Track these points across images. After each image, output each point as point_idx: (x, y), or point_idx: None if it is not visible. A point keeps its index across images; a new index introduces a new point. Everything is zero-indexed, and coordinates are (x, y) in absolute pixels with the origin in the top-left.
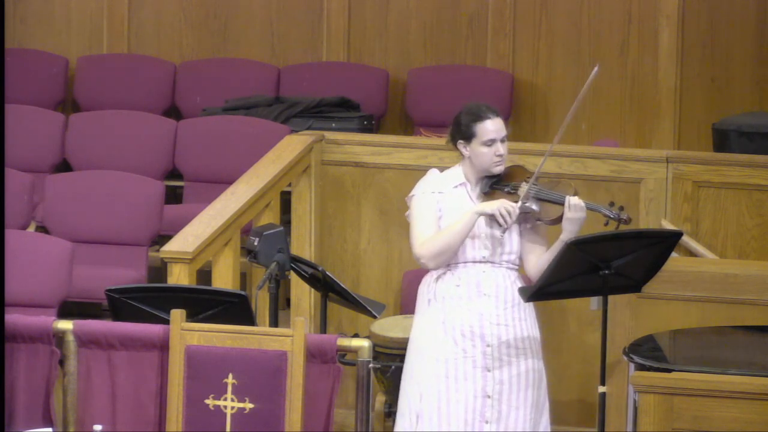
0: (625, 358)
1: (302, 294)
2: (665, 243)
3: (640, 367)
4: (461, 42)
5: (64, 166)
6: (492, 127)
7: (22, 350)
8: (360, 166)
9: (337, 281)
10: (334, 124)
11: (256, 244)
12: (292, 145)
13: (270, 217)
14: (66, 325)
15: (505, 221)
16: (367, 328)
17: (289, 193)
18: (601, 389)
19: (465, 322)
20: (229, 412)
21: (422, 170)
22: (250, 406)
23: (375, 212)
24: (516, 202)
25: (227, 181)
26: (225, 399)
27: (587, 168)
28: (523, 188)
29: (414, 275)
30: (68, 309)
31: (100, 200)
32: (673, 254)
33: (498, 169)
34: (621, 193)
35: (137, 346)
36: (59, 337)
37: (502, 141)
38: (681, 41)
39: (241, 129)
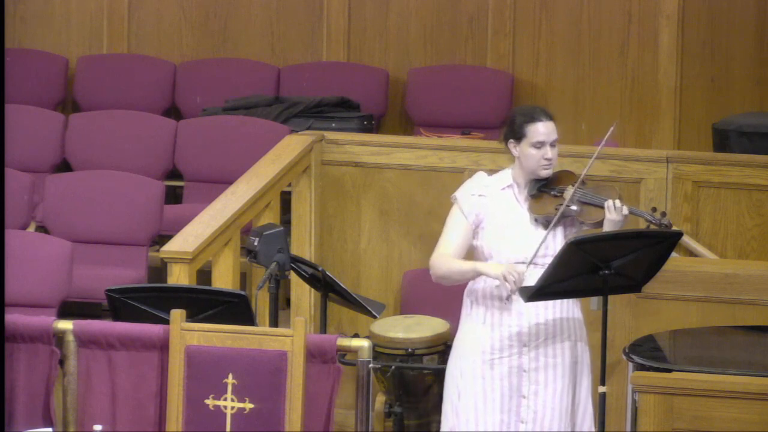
0: (625, 358)
1: (302, 294)
2: (665, 243)
3: (640, 367)
4: (461, 42)
5: (64, 166)
6: (543, 129)
7: (22, 350)
8: (360, 166)
9: (337, 281)
10: (334, 124)
11: (256, 244)
12: (292, 145)
13: (270, 217)
14: (66, 325)
15: (510, 287)
16: (367, 328)
17: (289, 193)
18: (601, 389)
19: (504, 322)
20: (229, 412)
21: (422, 170)
22: (250, 406)
23: (375, 212)
24: (561, 204)
25: (227, 181)
26: (225, 399)
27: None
28: (569, 191)
29: (414, 275)
30: (68, 309)
31: (100, 200)
32: (673, 254)
33: (545, 173)
34: (621, 193)
35: (137, 346)
36: (59, 337)
37: (552, 145)
38: (681, 41)
39: (241, 129)
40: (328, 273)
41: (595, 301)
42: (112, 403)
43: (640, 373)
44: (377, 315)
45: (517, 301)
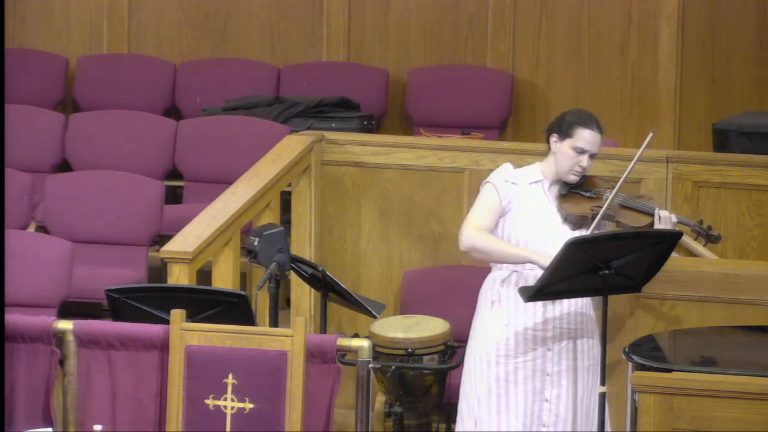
0: (625, 358)
1: (302, 294)
2: (665, 243)
3: (640, 367)
4: (461, 42)
5: (64, 166)
6: (590, 138)
7: (22, 350)
8: (360, 166)
9: (337, 281)
10: (334, 124)
11: (256, 244)
12: (292, 145)
13: (270, 217)
14: (66, 325)
15: None
16: (367, 328)
17: (289, 193)
18: (601, 389)
19: (528, 324)
20: (229, 412)
21: (422, 170)
22: (250, 406)
23: (375, 212)
24: (598, 206)
25: (227, 181)
26: (225, 399)
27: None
28: (607, 195)
29: (414, 275)
30: (68, 309)
31: (100, 200)
32: (673, 254)
33: (572, 179)
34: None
35: (137, 346)
36: (59, 337)
37: (591, 156)
38: (681, 41)
39: (241, 129)
40: (328, 273)
41: (595, 301)
42: (112, 403)
43: (640, 373)
44: (377, 315)
45: (542, 303)
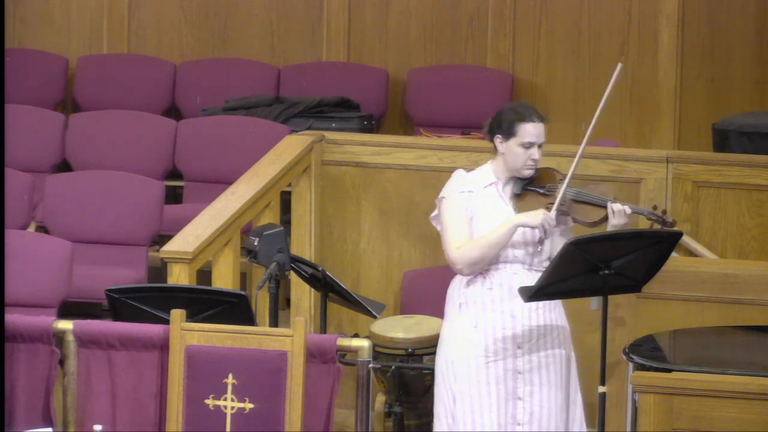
0: (625, 358)
1: (302, 294)
2: (665, 243)
3: (640, 367)
4: (461, 42)
5: (64, 166)
6: (534, 130)
7: (22, 350)
8: (360, 166)
9: (337, 281)
10: (334, 124)
11: (256, 244)
12: (292, 145)
13: (270, 217)
14: (66, 325)
15: (545, 232)
16: (367, 328)
17: (289, 193)
18: (601, 389)
19: (498, 325)
20: (229, 412)
21: (422, 170)
22: (250, 406)
23: (375, 212)
24: (552, 203)
25: (227, 181)
26: (225, 399)
27: (587, 168)
28: (560, 190)
29: (414, 275)
30: (68, 309)
31: (100, 200)
32: (673, 254)
33: (528, 173)
34: (621, 193)
35: (137, 346)
36: (59, 337)
37: (539, 146)
38: (681, 41)
39: (241, 129)
40: (328, 273)
41: (595, 301)
42: (112, 403)
43: (640, 373)
44: (377, 315)
45: (510, 302)
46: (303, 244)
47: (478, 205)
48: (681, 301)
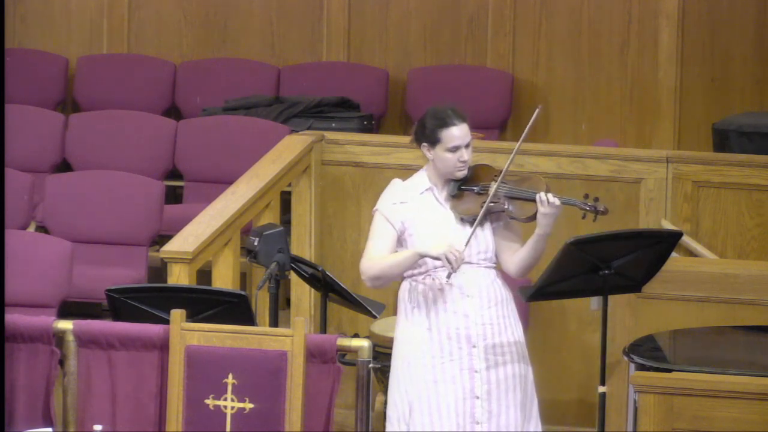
0: (625, 358)
1: (302, 294)
2: (665, 243)
3: (640, 367)
4: (461, 42)
5: (64, 166)
6: (458, 133)
7: (22, 350)
8: (360, 166)
9: (337, 281)
10: (334, 124)
11: (256, 244)
12: (292, 145)
13: (270, 217)
14: (66, 325)
15: (452, 266)
16: (367, 328)
17: (289, 193)
18: (601, 389)
19: (451, 325)
20: (229, 412)
21: None
22: (250, 406)
23: None
24: (485, 202)
25: (227, 181)
26: (225, 399)
27: (587, 168)
28: (492, 188)
29: None
30: (68, 309)
31: (100, 200)
32: (673, 254)
33: (461, 174)
34: (621, 193)
35: (137, 346)
36: (59, 337)
37: (467, 146)
38: (681, 41)
39: (241, 129)
40: (328, 273)
41: (595, 301)
42: (112, 403)
43: (640, 373)
44: (377, 315)
45: (461, 301)
46: (303, 244)
47: (413, 213)
48: (681, 301)
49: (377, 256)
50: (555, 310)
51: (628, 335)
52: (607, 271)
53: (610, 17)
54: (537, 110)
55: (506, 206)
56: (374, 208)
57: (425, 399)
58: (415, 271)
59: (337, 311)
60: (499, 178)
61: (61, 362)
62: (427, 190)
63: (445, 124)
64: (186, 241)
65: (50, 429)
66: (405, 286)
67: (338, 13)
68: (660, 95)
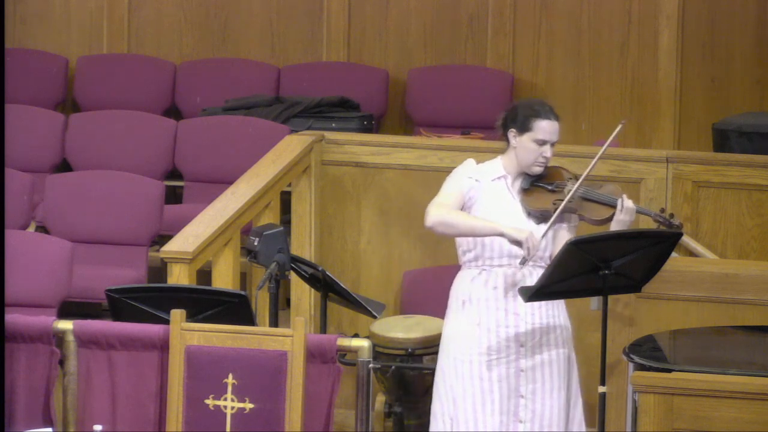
0: (625, 358)
1: (302, 294)
2: (665, 243)
3: (640, 367)
4: (461, 42)
5: (64, 166)
6: (549, 128)
7: (22, 350)
8: (360, 166)
9: (337, 281)
10: (334, 124)
11: (256, 244)
12: (292, 145)
13: (270, 217)
14: (66, 325)
15: (529, 252)
16: (367, 328)
17: (289, 193)
18: (601, 389)
19: (501, 323)
20: (229, 412)
21: (422, 170)
22: (250, 406)
23: (375, 212)
24: (560, 200)
25: (227, 181)
26: (225, 399)
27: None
28: (569, 187)
29: (414, 275)
30: (68, 309)
31: (100, 200)
32: (673, 254)
33: (538, 170)
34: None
35: (137, 346)
36: (59, 337)
37: (552, 145)
38: (681, 41)
39: (241, 129)
40: (328, 273)
41: (595, 301)
42: (112, 403)
43: (640, 373)
44: (377, 315)
45: (513, 300)
46: (303, 244)
47: (484, 195)
48: (681, 301)
49: (449, 205)
50: None
51: (628, 335)
52: (607, 271)
53: (610, 17)
54: (620, 125)
55: (579, 206)
56: (448, 177)
57: (470, 395)
58: (473, 260)
59: (337, 311)
60: (580, 179)
61: (61, 362)
62: (499, 177)
63: (539, 114)
64: (186, 241)
65: (50, 429)
66: (459, 277)
67: (338, 13)
68: (660, 95)
